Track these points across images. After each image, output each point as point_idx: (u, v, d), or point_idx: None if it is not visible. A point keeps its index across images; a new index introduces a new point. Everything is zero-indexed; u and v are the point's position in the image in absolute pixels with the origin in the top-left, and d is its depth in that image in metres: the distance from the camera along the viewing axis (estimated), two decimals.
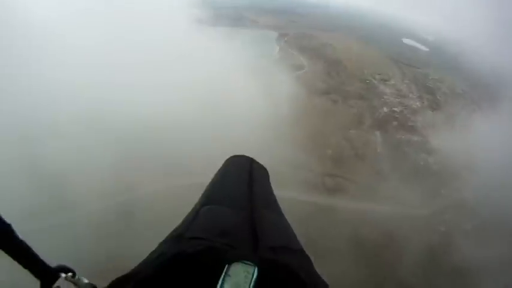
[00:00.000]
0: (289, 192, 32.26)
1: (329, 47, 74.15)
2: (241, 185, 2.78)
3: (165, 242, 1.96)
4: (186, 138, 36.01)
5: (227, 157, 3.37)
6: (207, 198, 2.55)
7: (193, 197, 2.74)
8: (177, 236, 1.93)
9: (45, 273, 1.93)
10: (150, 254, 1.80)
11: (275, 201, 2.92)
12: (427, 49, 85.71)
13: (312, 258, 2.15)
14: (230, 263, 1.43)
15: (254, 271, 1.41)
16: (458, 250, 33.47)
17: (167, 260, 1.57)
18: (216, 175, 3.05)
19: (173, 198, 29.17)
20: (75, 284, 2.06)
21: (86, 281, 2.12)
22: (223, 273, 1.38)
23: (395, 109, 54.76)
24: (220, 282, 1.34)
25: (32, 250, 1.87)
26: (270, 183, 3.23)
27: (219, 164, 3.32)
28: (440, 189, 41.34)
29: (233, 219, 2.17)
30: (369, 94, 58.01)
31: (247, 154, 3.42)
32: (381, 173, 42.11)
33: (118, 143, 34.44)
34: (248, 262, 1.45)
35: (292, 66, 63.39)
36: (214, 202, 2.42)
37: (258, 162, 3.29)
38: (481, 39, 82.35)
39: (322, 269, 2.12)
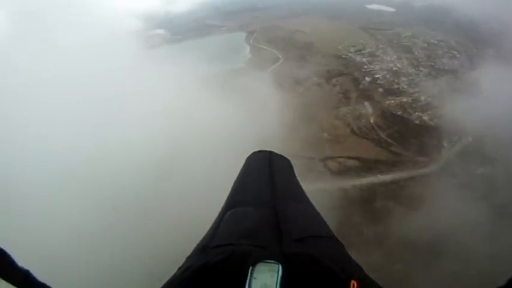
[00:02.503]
0: None
1: (298, 33, 73.89)
2: (262, 180, 2.77)
3: (191, 255, 1.98)
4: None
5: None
6: (230, 202, 2.54)
7: None
8: (202, 248, 1.95)
9: None
10: (177, 270, 1.78)
11: (300, 189, 2.95)
12: (393, 9, 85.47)
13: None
14: (254, 265, 1.45)
15: (279, 268, 1.43)
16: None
17: (194, 273, 1.57)
18: (238, 176, 3.03)
19: None
20: None
21: None
22: (249, 276, 1.40)
23: (378, 76, 54.72)
24: (247, 286, 1.36)
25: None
26: (293, 172, 3.25)
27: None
28: (442, 141, 41.38)
29: (256, 218, 2.18)
30: (348, 68, 57.96)
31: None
32: (380, 142, 42.03)
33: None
34: (271, 261, 1.47)
35: (266, 60, 63.37)
36: (237, 204, 2.42)
37: (277, 154, 3.30)
38: None
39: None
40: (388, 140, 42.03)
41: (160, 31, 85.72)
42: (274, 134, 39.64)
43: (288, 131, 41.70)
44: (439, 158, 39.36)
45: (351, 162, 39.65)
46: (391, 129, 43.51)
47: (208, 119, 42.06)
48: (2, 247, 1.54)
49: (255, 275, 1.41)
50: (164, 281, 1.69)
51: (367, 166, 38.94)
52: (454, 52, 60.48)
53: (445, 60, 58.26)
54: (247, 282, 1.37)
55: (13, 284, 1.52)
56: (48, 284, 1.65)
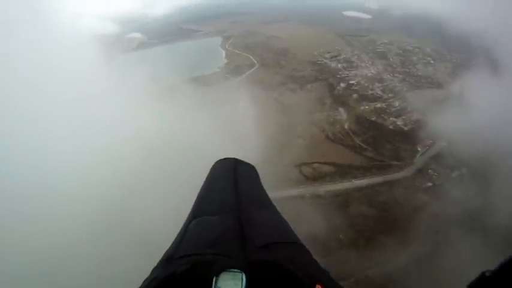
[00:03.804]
0: (272, 193, 31.13)
1: (275, 39, 74.23)
2: (227, 188, 2.74)
3: (156, 267, 1.88)
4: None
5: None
6: (195, 211, 2.50)
7: None
8: (167, 258, 1.88)
9: None
10: (143, 283, 1.70)
11: (265, 195, 2.91)
12: (370, 16, 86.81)
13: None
14: (218, 274, 1.44)
15: (242, 277, 1.42)
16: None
17: (158, 284, 1.54)
18: (203, 184, 2.98)
19: None
20: None
21: None
22: (213, 286, 1.39)
23: (352, 82, 55.00)
24: None
25: None
26: (258, 179, 3.19)
27: None
28: (416, 146, 41.77)
29: (220, 226, 2.14)
30: (323, 74, 58.14)
31: None
32: (355, 148, 41.99)
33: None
34: (234, 270, 1.46)
35: (242, 66, 63.19)
36: (202, 213, 2.39)
37: (242, 161, 3.26)
38: None
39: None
40: (363, 145, 42.07)
41: (137, 34, 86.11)
42: (248, 141, 38.91)
43: (263, 137, 41.00)
44: (413, 162, 39.64)
45: (326, 168, 39.44)
46: (366, 135, 43.58)
47: (178, 125, 40.85)
48: None
49: (219, 284, 1.39)
50: None
51: (342, 171, 38.85)
52: (429, 59, 61.70)
53: (420, 67, 59.19)
54: None
55: None
56: None
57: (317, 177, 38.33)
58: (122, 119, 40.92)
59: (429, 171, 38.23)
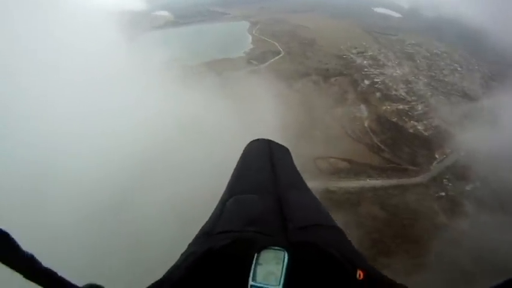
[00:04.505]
0: None
1: (302, 28, 73.34)
2: (263, 169, 2.74)
3: (193, 242, 1.95)
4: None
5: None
6: (232, 189, 2.53)
7: None
8: (204, 234, 1.94)
9: None
10: (180, 257, 1.76)
11: (300, 177, 2.92)
12: (400, 15, 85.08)
13: None
14: (259, 251, 1.43)
15: (284, 256, 1.40)
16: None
17: (197, 259, 1.54)
18: (237, 164, 3.01)
19: None
20: None
21: None
22: (254, 263, 1.38)
23: (377, 80, 54.29)
24: (251, 272, 1.35)
25: (58, 275, 1.61)
26: (292, 160, 3.22)
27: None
28: (434, 153, 41.05)
29: (260, 205, 2.14)
30: (348, 69, 57.48)
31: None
32: (373, 147, 41.72)
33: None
34: (277, 248, 1.45)
35: (267, 53, 62.85)
36: (239, 192, 2.40)
37: (276, 143, 3.27)
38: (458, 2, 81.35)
39: None
40: (381, 145, 41.72)
41: (164, 13, 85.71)
42: (264, 128, 38.36)
43: (281, 126, 40.86)
44: (429, 169, 39.01)
45: (342, 164, 39.36)
46: (385, 135, 43.20)
47: (201, 108, 41.13)
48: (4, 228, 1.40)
49: (260, 261, 1.39)
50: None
51: (357, 169, 38.65)
52: (457, 66, 60.06)
53: (446, 72, 57.85)
54: (252, 268, 1.36)
55: (17, 270, 1.42)
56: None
57: (332, 172, 38.23)
58: (141, 100, 41.20)
59: (444, 180, 37.51)
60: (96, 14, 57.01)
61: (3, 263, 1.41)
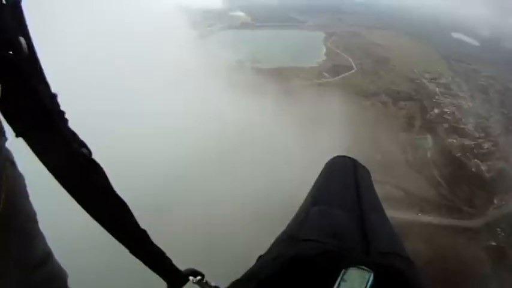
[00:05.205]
0: None
1: (377, 46, 73.00)
2: (348, 186, 2.62)
3: (278, 243, 1.98)
4: None
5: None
6: (315, 198, 2.45)
7: None
8: (290, 237, 1.94)
9: (175, 277, 2.01)
10: (264, 255, 1.88)
11: (379, 202, 2.80)
12: (478, 44, 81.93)
13: None
14: (347, 267, 1.43)
15: (370, 277, 1.39)
16: None
17: (285, 262, 1.60)
18: (320, 177, 2.92)
19: None
20: (202, 287, 2.12)
21: (213, 284, 2.16)
22: (340, 278, 1.39)
23: (447, 110, 53.38)
24: (336, 286, 1.36)
25: (165, 255, 1.98)
26: (373, 184, 3.05)
27: None
28: (492, 197, 39.72)
29: (344, 221, 2.08)
30: (418, 94, 56.89)
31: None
32: (431, 180, 41.31)
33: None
34: (364, 267, 1.44)
35: (339, 66, 63.33)
36: (322, 202, 2.34)
37: (361, 164, 3.07)
38: None
39: None
40: (440, 180, 40.99)
41: (241, 13, 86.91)
42: (323, 142, 39.06)
43: (342, 142, 41.07)
44: (485, 213, 37.83)
45: (397, 193, 38.94)
46: (446, 170, 42.40)
47: (263, 113, 42.13)
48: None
49: (345, 277, 1.39)
50: None
51: (411, 201, 38.27)
52: None
53: None
54: (337, 283, 1.36)
55: (129, 242, 1.74)
56: None
57: (385, 199, 37.46)
58: (205, 101, 42.31)
59: (497, 229, 36.03)
60: (170, 10, 60.05)
61: (120, 229, 1.67)
